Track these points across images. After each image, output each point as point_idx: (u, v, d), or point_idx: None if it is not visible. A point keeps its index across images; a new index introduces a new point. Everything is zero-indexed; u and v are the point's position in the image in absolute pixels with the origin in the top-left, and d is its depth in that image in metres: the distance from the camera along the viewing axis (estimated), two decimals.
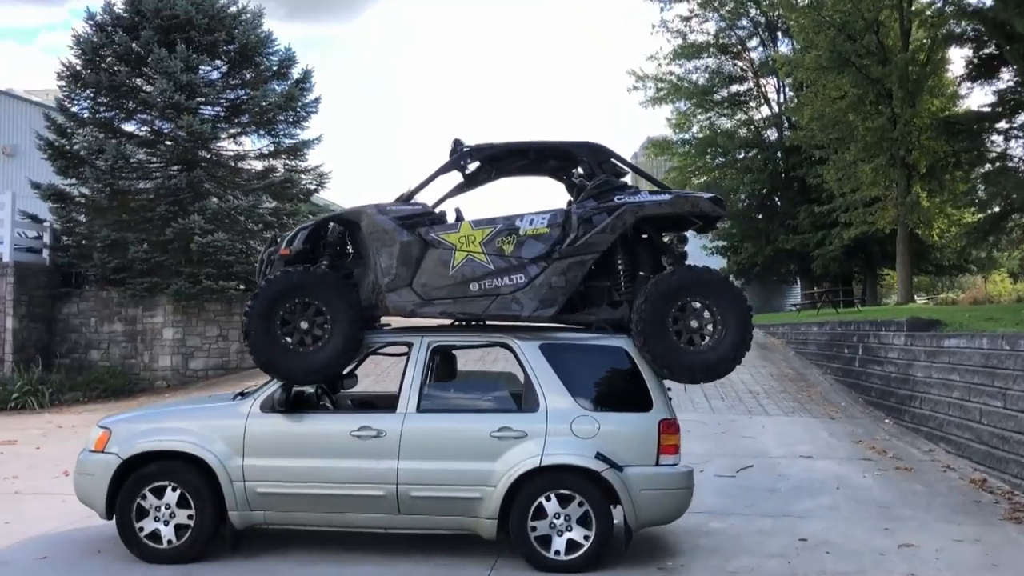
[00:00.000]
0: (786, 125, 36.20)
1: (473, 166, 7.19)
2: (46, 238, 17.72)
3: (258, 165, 19.23)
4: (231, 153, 19.09)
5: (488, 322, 6.82)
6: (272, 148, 19.03)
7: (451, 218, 6.83)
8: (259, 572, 6.12)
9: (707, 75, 38.12)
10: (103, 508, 6.33)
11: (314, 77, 18.97)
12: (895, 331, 13.34)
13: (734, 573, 6.23)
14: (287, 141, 18.95)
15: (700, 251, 39.11)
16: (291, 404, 6.41)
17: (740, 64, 38.50)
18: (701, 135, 38.50)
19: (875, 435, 12.01)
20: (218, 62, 18.71)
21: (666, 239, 7.02)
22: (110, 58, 17.65)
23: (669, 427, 6.28)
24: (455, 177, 7.39)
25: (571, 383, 6.37)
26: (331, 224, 6.78)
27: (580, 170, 6.97)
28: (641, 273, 6.78)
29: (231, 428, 6.35)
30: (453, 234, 6.49)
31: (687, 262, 6.81)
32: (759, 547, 6.90)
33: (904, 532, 7.35)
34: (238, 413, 6.41)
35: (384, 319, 7.30)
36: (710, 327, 6.38)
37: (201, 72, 18.04)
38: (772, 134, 38.17)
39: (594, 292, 6.73)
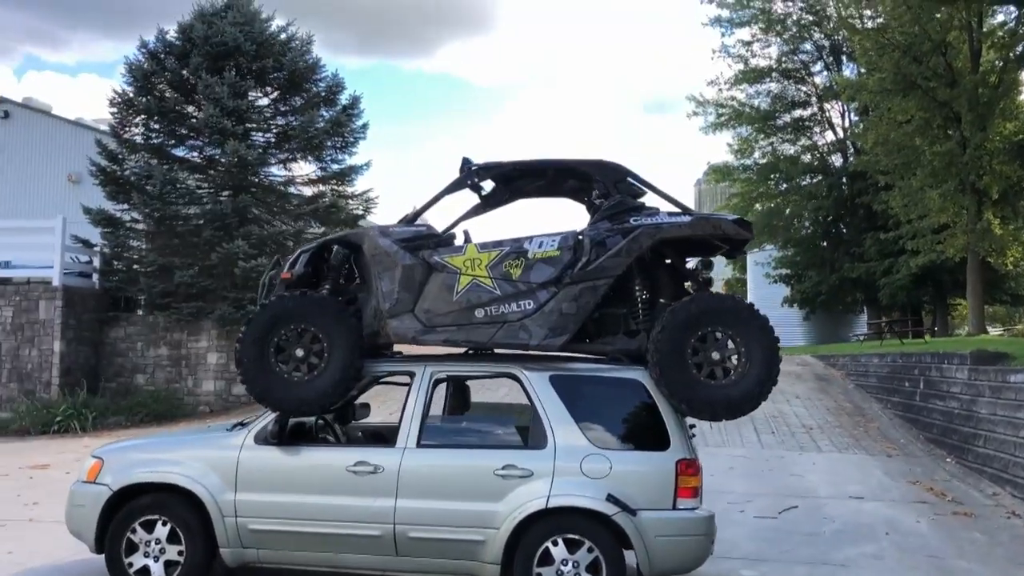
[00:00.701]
0: (851, 150, 35.19)
1: (488, 186, 6.88)
2: (96, 263, 17.94)
3: (307, 191, 19.24)
4: (280, 179, 19.15)
5: (497, 351, 6.44)
6: (320, 174, 19.03)
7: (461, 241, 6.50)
8: None
9: (769, 100, 37.31)
10: (93, 541, 6.09)
11: (362, 103, 18.96)
12: (958, 364, 12.56)
13: None
14: (334, 167, 18.95)
15: (763, 279, 38.28)
16: (288, 436, 6.11)
17: (804, 88, 37.64)
18: (763, 161, 37.66)
19: (934, 475, 11.24)
20: (268, 88, 18.82)
21: (690, 265, 6.56)
22: (161, 85, 17.88)
23: (688, 468, 5.78)
24: (471, 200, 7.10)
25: (582, 418, 5.93)
26: (335, 247, 6.48)
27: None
28: (661, 300, 6.33)
29: (224, 460, 6.06)
30: (458, 257, 6.14)
31: (711, 289, 6.36)
32: None
33: None
34: (232, 445, 6.12)
35: (396, 347, 6.99)
36: (733, 359, 5.89)
37: (251, 98, 18.16)
38: (837, 160, 37.16)
39: (610, 320, 6.29)
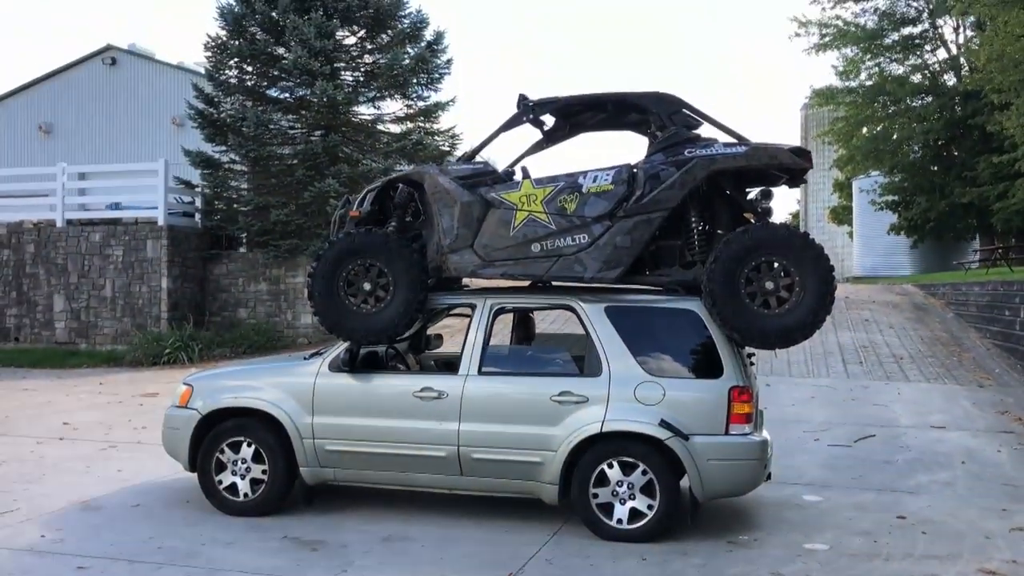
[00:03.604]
0: (965, 68, 33.31)
1: (549, 121, 6.99)
2: (197, 203, 18.76)
3: (395, 128, 19.55)
4: (369, 117, 19.49)
5: (556, 283, 6.63)
6: (406, 111, 19.28)
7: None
8: (326, 525, 6.26)
9: (876, 17, 35.46)
10: (187, 461, 6.65)
11: (446, 39, 19.02)
12: None
13: (811, 551, 5.82)
14: (420, 104, 19.15)
15: (869, 207, 37.00)
16: (360, 364, 6.48)
17: (914, 4, 35.66)
18: (870, 83, 36.01)
19: None
20: (355, 27, 19.06)
21: (751, 195, 6.55)
22: (252, 28, 18.32)
23: (741, 394, 5.90)
24: (534, 135, 7.22)
25: (637, 347, 6.09)
26: (399, 185, 6.74)
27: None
28: (719, 232, 6.37)
29: (301, 386, 6.49)
30: (514, 193, 6.31)
31: (771, 219, 6.35)
32: (848, 523, 6.42)
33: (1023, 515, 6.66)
34: (308, 372, 6.54)
35: (464, 280, 7.26)
36: (787, 289, 5.92)
37: (338, 37, 18.46)
38: (950, 79, 35.24)
39: (666, 252, 6.39)
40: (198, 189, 18.63)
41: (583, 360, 6.25)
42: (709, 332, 6.04)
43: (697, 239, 6.27)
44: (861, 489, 7.44)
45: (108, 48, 29.32)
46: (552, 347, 6.94)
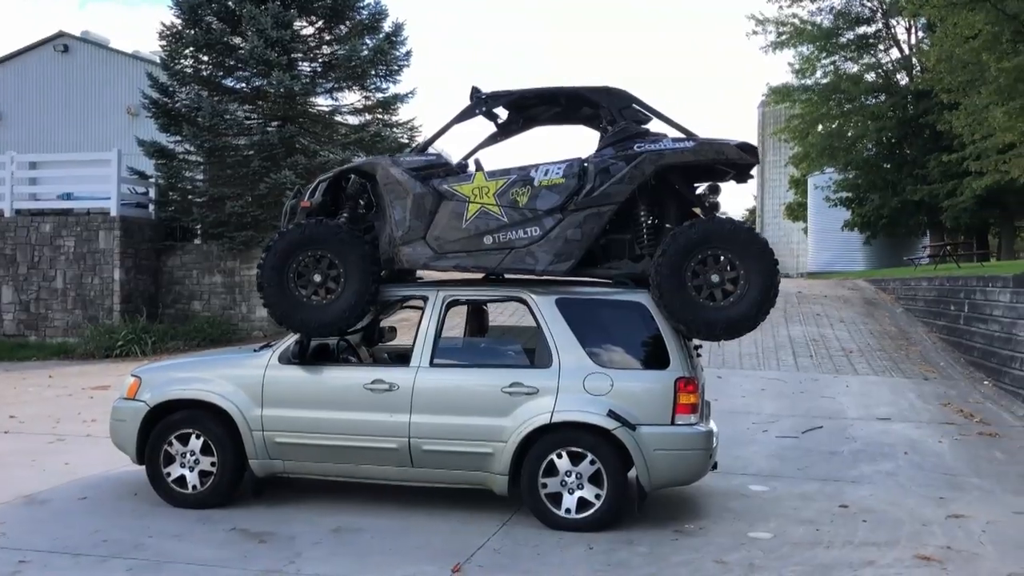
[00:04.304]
0: (916, 68, 33.94)
1: (503, 114, 7.03)
2: (151, 194, 18.53)
3: (353, 120, 19.46)
4: (327, 109, 19.39)
5: (509, 276, 6.68)
6: (364, 103, 19.21)
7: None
8: (276, 517, 6.25)
9: (832, 16, 36.01)
10: (135, 453, 6.59)
11: (405, 31, 18.97)
12: (1001, 287, 12.41)
13: (755, 539, 5.93)
14: (379, 96, 19.08)
15: (823, 203, 37.57)
16: (311, 356, 6.47)
17: (868, 4, 36.24)
18: (825, 80, 36.54)
19: (968, 398, 11.26)
20: (313, 17, 18.94)
21: (700, 190, 6.65)
22: (208, 16, 18.12)
23: (687, 385, 6.00)
24: (489, 127, 7.26)
25: (586, 339, 6.17)
26: (352, 176, 6.73)
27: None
28: (668, 226, 6.46)
29: (250, 379, 6.47)
30: (466, 185, 6.34)
31: (718, 213, 6.46)
32: (792, 512, 6.56)
33: (960, 503, 6.85)
34: (258, 364, 6.52)
35: (419, 272, 7.28)
36: (732, 282, 6.03)
37: (296, 27, 18.34)
38: (902, 78, 35.89)
39: (616, 246, 6.47)
40: (152, 180, 18.41)
41: (533, 352, 6.31)
42: (657, 324, 6.13)
43: (646, 233, 6.36)
44: (806, 479, 7.59)
45: (60, 35, 28.71)
46: (504, 339, 7.00)
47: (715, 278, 6.01)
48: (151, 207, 18.40)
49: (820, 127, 37.04)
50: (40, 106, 28.07)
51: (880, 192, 34.45)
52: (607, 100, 6.45)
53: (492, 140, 7.25)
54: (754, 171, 6.50)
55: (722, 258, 6.03)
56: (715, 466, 6.59)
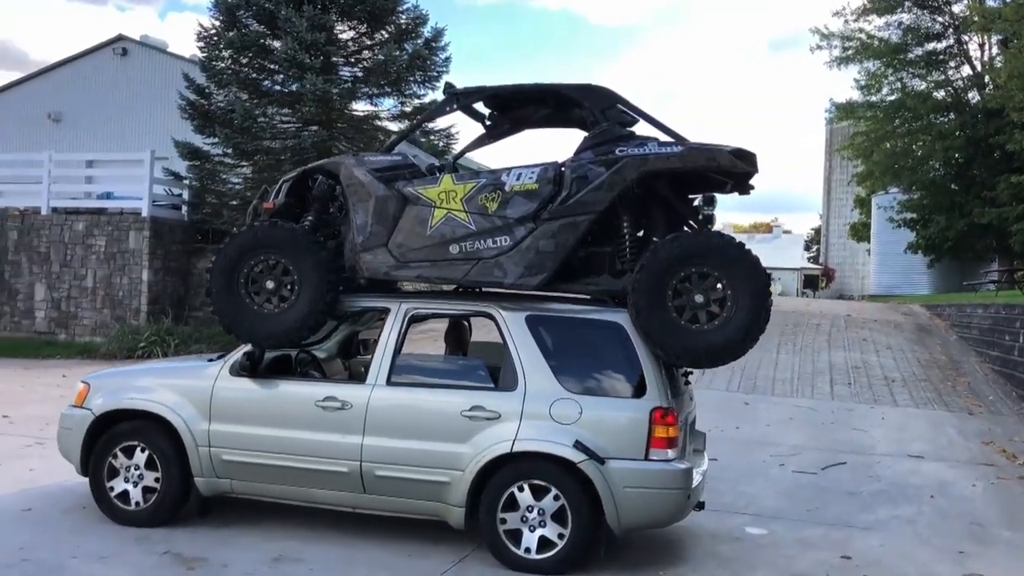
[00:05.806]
0: (989, 86, 32.44)
1: (488, 113, 6.55)
2: (184, 195, 18.45)
3: (391, 126, 19.13)
4: (363, 114, 19.10)
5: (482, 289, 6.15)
6: (402, 109, 18.86)
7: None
8: (217, 540, 5.80)
9: (900, 31, 34.71)
10: (79, 464, 6.20)
11: (445, 36, 18.59)
12: None
13: None
14: (416, 102, 18.72)
15: (887, 224, 36.14)
16: (265, 368, 6.03)
17: (940, 19, 34.81)
18: (892, 97, 35.21)
19: (1015, 436, 10.35)
20: (354, 22, 18.70)
21: (696, 201, 6.04)
22: (247, 18, 17.98)
23: (664, 416, 5.37)
24: (478, 130, 6.80)
25: (556, 360, 5.60)
26: (318, 176, 6.27)
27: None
28: (654, 239, 5.86)
29: (199, 390, 6.04)
30: (432, 189, 5.83)
31: (712, 227, 5.85)
32: (785, 563, 5.89)
33: (981, 560, 6.10)
34: (207, 375, 6.09)
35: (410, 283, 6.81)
36: (718, 303, 5.40)
37: (337, 31, 18.11)
38: (973, 96, 34.35)
39: (596, 259, 5.88)
40: (186, 181, 18.31)
41: (499, 372, 5.75)
42: (634, 347, 5.53)
43: (629, 246, 5.76)
44: (812, 523, 6.88)
45: (120, 38, 29.21)
46: (470, 357, 6.47)
47: (699, 298, 5.40)
48: (184, 209, 18.29)
49: (887, 144, 35.69)
50: (99, 107, 28.51)
51: (946, 214, 32.97)
52: (589, 99, 5.88)
53: (480, 142, 6.78)
54: (753, 181, 5.84)
55: (708, 276, 5.41)
56: (701, 506, 5.96)
